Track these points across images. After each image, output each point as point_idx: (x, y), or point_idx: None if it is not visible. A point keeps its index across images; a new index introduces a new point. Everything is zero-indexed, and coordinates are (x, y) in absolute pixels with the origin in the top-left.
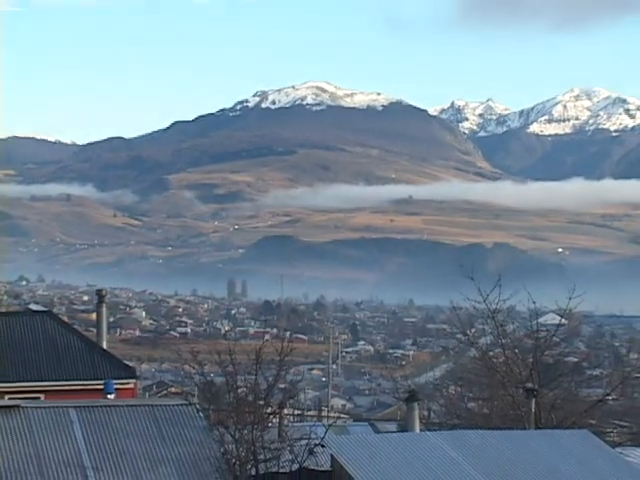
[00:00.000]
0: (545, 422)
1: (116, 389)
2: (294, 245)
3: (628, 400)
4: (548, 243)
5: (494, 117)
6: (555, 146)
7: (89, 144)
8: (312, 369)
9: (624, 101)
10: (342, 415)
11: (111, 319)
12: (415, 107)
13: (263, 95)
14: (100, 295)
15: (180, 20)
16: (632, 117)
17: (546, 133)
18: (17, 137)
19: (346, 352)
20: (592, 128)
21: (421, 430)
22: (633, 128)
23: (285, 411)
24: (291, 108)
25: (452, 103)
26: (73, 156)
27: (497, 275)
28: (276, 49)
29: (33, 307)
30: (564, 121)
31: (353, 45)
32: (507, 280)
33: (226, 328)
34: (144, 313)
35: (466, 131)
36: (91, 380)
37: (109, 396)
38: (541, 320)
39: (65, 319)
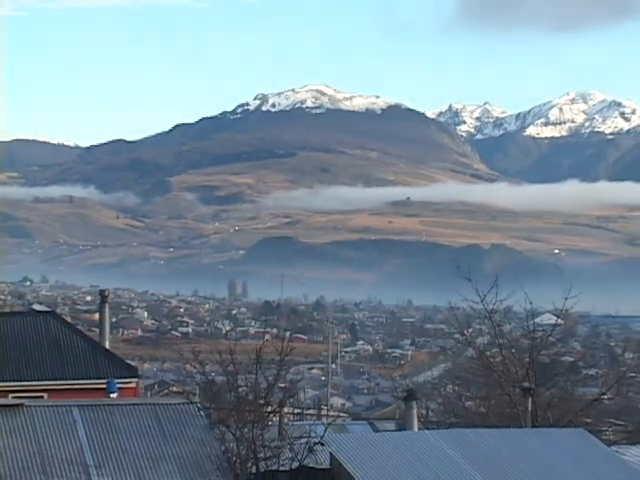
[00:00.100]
0: (541, 421)
1: (118, 388)
2: (294, 246)
3: (623, 399)
4: (544, 244)
5: (491, 120)
6: (551, 149)
7: (92, 146)
8: (312, 368)
9: (619, 104)
10: (341, 414)
11: (114, 319)
12: (413, 110)
13: (264, 98)
14: (103, 295)
15: (181, 24)
16: (627, 120)
17: (542, 136)
18: (20, 140)
19: (345, 352)
20: (588, 131)
21: (419, 429)
22: (628, 131)
23: (285, 410)
24: (291, 111)
25: (450, 106)
26: (76, 158)
27: (494, 276)
28: (276, 53)
29: (37, 307)
30: (560, 124)
31: (352, 49)
32: (504, 281)
33: (227, 328)
34: (146, 313)
35: (463, 134)
36: (94, 379)
37: (111, 395)
38: (537, 320)
39: (68, 319)
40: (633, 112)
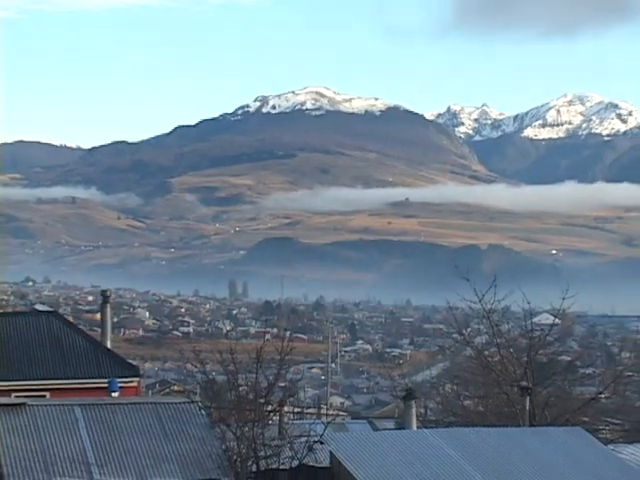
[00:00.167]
0: (539, 419)
1: (120, 387)
2: (294, 247)
3: (620, 398)
4: (542, 245)
5: (489, 122)
6: (549, 150)
7: (94, 148)
8: (312, 368)
9: (616, 106)
10: (341, 413)
11: (115, 319)
12: (412, 112)
13: (264, 100)
14: (104, 296)
15: (182, 27)
16: (624, 122)
17: (540, 137)
18: (23, 142)
19: (345, 351)
20: (585, 132)
21: (418, 427)
22: (625, 132)
23: (285, 409)
24: (291, 113)
25: (448, 108)
26: (78, 160)
27: (492, 276)
28: (276, 56)
29: (39, 307)
30: (558, 126)
31: (351, 51)
32: (502, 281)
33: (227, 328)
34: (147, 313)
35: (462, 135)
36: (96, 379)
37: (113, 394)
38: (535, 320)
39: (70, 319)
40: (630, 114)
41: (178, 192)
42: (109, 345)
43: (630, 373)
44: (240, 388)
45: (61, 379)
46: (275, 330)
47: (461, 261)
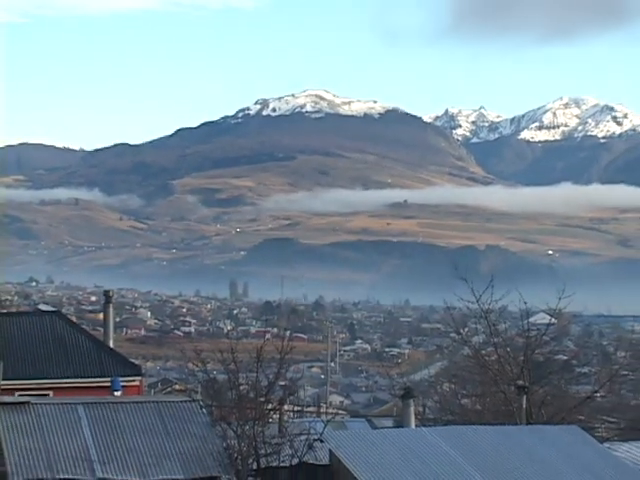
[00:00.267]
0: (536, 418)
1: (122, 386)
2: (294, 248)
3: (615, 397)
4: (538, 245)
5: (486, 124)
6: (545, 152)
7: (96, 150)
8: (311, 367)
9: (611, 109)
10: (340, 411)
11: (117, 319)
12: (410, 114)
13: (264, 103)
14: (107, 296)
15: (184, 31)
16: (619, 124)
17: (536, 139)
18: (27, 144)
19: (344, 350)
20: (581, 135)
21: (416, 426)
22: (620, 135)
23: (285, 407)
24: (291, 116)
25: (446, 111)
26: (81, 162)
27: (489, 276)
28: (276, 59)
29: (42, 307)
30: (554, 128)
31: (350, 55)
32: (499, 281)
33: (228, 327)
34: (149, 313)
35: (459, 138)
36: (98, 378)
37: (116, 393)
38: (532, 320)
39: (73, 319)
40: (625, 116)
41: (180, 193)
42: (112, 344)
43: (625, 372)
44: (241, 387)
45: (64, 378)
46: (275, 330)
47: (459, 261)
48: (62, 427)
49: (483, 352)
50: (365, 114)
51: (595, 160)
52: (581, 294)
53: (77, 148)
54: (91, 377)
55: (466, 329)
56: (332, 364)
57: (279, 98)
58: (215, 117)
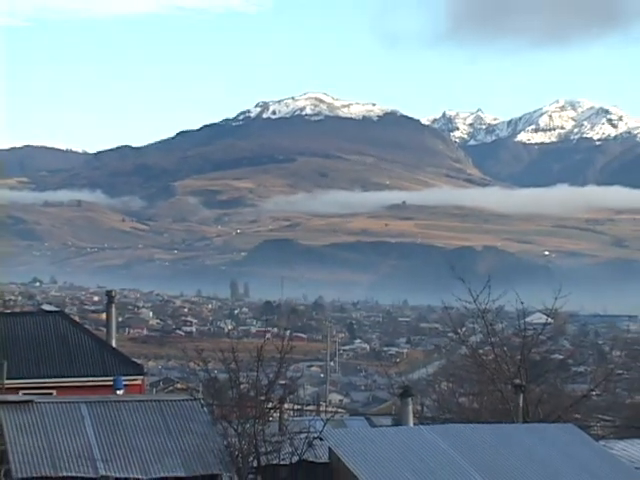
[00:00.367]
0: (532, 416)
1: (125, 385)
2: (294, 248)
3: (611, 396)
4: (535, 246)
5: (483, 126)
6: (541, 154)
7: (99, 152)
8: (311, 366)
9: (607, 111)
10: (339, 410)
11: (120, 319)
12: (408, 117)
13: (264, 106)
14: (110, 296)
15: (186, 35)
16: (614, 127)
17: (533, 142)
18: (31, 146)
19: (343, 350)
20: (576, 137)
21: (415, 424)
22: (615, 137)
23: (285, 406)
24: (291, 118)
25: (444, 113)
26: (84, 164)
27: (486, 277)
28: (277, 62)
29: (46, 307)
30: (550, 130)
31: (350, 58)
32: (496, 281)
33: (229, 327)
34: (151, 313)
35: (457, 140)
36: (101, 377)
37: (118, 392)
38: (528, 319)
39: (76, 319)
40: (620, 119)
41: (181, 195)
42: (114, 344)
43: (621, 371)
44: (241, 386)
45: (67, 377)
46: (275, 329)
47: (456, 262)
48: (65, 425)
49: (480, 351)
50: (364, 117)
51: (591, 162)
52: (577, 294)
53: (80, 150)
54: (94, 376)
55: (464, 329)
56: (331, 363)
57: (279, 101)
58: (216, 120)
